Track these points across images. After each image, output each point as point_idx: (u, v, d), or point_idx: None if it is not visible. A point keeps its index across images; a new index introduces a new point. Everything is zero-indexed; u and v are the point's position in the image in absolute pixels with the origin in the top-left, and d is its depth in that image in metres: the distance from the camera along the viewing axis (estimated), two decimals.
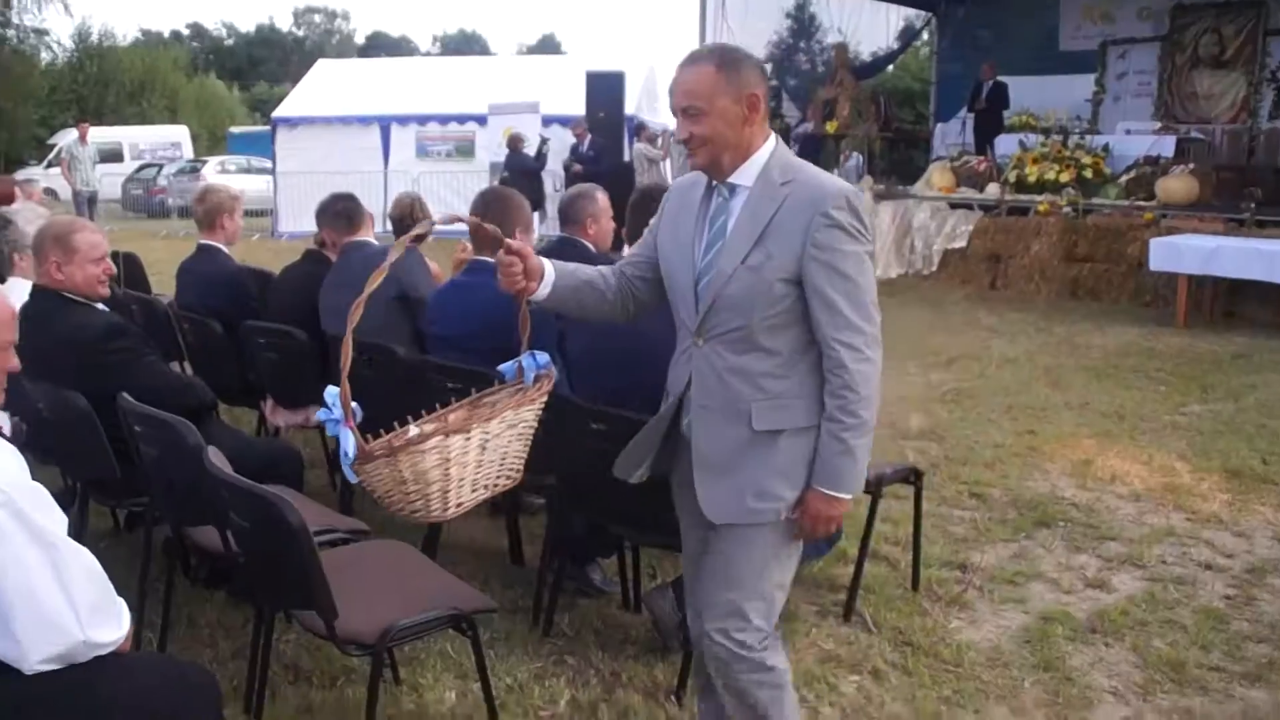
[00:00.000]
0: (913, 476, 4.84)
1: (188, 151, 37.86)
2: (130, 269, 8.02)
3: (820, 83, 19.77)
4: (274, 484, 3.29)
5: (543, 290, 2.97)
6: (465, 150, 22.94)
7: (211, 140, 47.69)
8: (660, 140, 19.76)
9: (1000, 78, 17.33)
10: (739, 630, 2.95)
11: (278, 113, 24.52)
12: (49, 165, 30.91)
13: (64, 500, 2.47)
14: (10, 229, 5.07)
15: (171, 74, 54.03)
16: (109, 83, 49.54)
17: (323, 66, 27.33)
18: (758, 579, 2.95)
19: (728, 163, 2.87)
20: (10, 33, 42.35)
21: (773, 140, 2.91)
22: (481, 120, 21.99)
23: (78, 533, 4.15)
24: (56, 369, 4.07)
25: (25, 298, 4.32)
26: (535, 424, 3.10)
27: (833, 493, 2.85)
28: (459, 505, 2.93)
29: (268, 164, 25.49)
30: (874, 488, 4.56)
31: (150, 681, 2.55)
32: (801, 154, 14.38)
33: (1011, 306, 12.83)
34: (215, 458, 3.31)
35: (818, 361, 2.86)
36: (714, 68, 2.81)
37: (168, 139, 38.68)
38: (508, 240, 2.94)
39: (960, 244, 14.66)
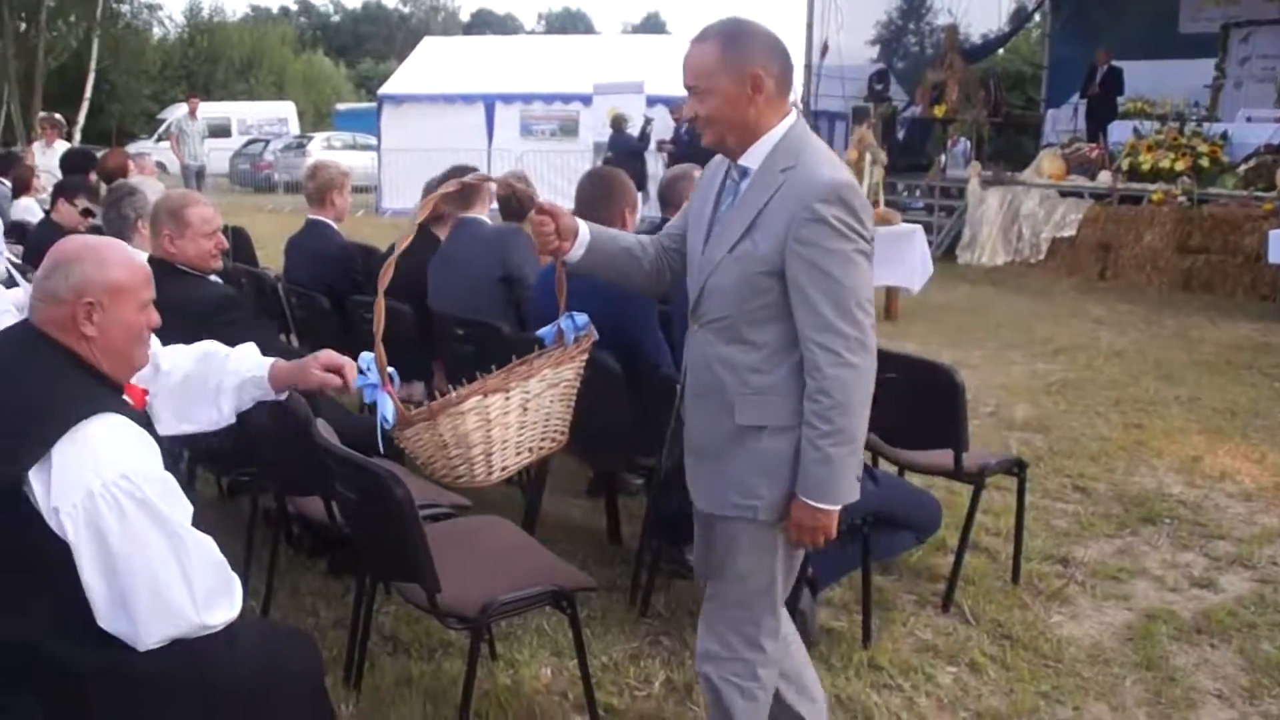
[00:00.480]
0: (1016, 467, 4.76)
1: (294, 127, 38.54)
2: (239, 243, 8.15)
3: (929, 65, 19.46)
4: (376, 458, 3.33)
5: (576, 251, 2.96)
6: (569, 130, 22.99)
7: (317, 116, 48.51)
8: None
9: (1115, 62, 16.95)
10: (747, 624, 2.92)
11: (384, 90, 24.79)
12: (159, 139, 31.59)
13: (170, 467, 2.51)
14: (137, 196, 5.18)
15: (279, 50, 55.09)
16: (218, 58, 50.69)
17: (428, 44, 27.63)
18: (753, 573, 2.89)
19: (734, 144, 2.80)
20: (125, 8, 43.50)
21: (788, 121, 2.79)
22: (586, 100, 22.04)
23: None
24: (167, 338, 4.14)
25: None
26: (577, 384, 3.06)
27: (814, 503, 2.72)
28: (503, 469, 2.91)
29: (373, 140, 25.82)
30: (977, 477, 4.50)
31: (253, 644, 2.58)
32: (908, 138, 14.23)
33: (1121, 297, 12.55)
34: (324, 429, 3.35)
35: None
36: (717, 45, 2.73)
37: (275, 115, 39.40)
38: (539, 200, 2.95)
39: (1069, 232, 14.38)
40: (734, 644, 2.94)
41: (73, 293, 2.49)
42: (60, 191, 7.25)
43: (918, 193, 17.38)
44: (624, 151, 17.89)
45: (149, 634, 2.35)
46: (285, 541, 4.70)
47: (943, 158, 17.53)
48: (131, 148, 22.87)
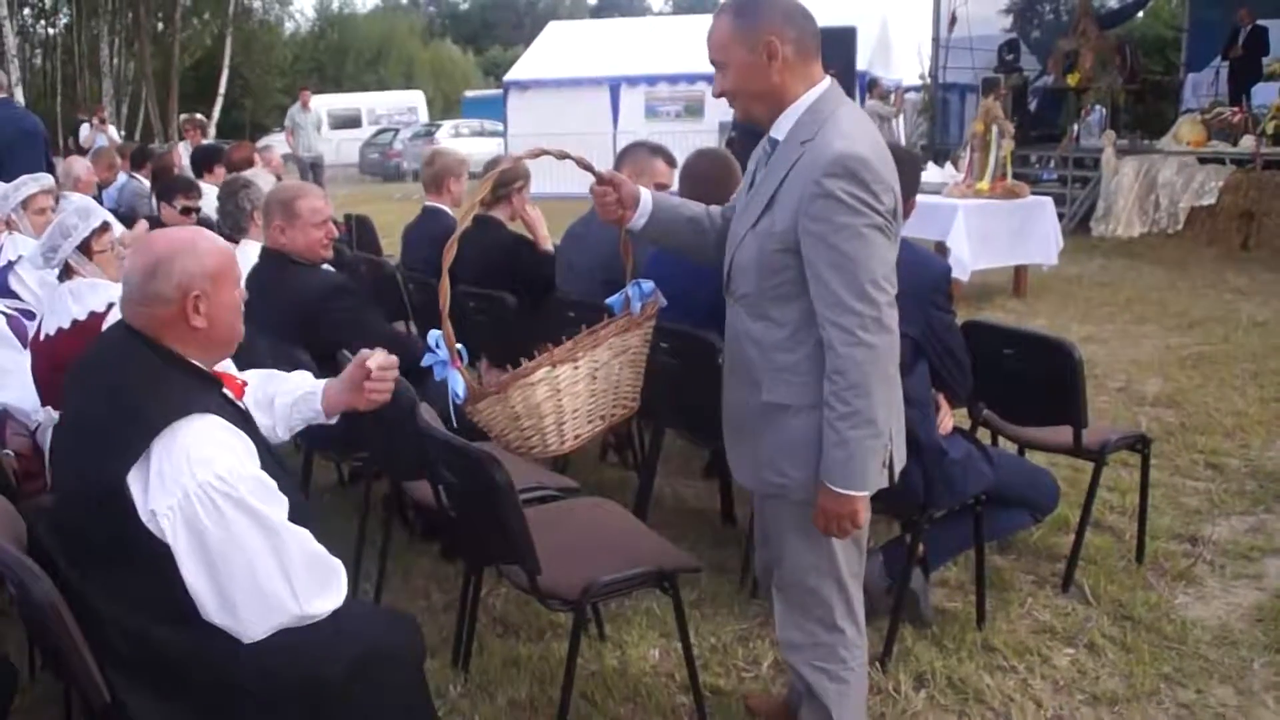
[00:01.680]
0: (1140, 443, 4.61)
1: (423, 116, 39.12)
2: (361, 231, 8.29)
3: (1061, 34, 18.91)
4: (486, 441, 3.35)
5: (638, 220, 2.95)
6: (694, 110, 22.90)
7: (446, 104, 49.20)
8: (893, 97, 19.29)
9: (1260, 21, 16.23)
10: (818, 606, 2.88)
11: (509, 76, 25.02)
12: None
13: (279, 455, 2.55)
14: (251, 189, 5.31)
15: (408, 40, 56.12)
16: (348, 50, 51.83)
17: (553, 29, 27.78)
18: (809, 554, 2.85)
19: (764, 115, 2.75)
20: (257, 4, 44.69)
21: (818, 89, 2.71)
22: (711, 80, 21.85)
23: (301, 486, 4.34)
24: (281, 327, 4.24)
25: (255, 259, 4.52)
26: (645, 350, 3.07)
27: (835, 488, 2.64)
28: (576, 437, 2.93)
29: (500, 127, 26.07)
30: (1097, 454, 4.37)
31: (356, 628, 2.62)
32: (1040, 108, 13.83)
33: (1264, 267, 12.04)
34: (427, 414, 3.39)
35: None
36: (730, 16, 2.69)
37: (404, 104, 40.04)
38: (599, 170, 2.94)
39: (1209, 201, 13.87)
40: (811, 629, 2.92)
41: (178, 290, 2.52)
42: (160, 197, 7.39)
43: (1051, 164, 16.95)
44: (748, 131, 17.72)
45: (253, 627, 2.41)
46: (402, 526, 4.78)
47: (1075, 127, 17.04)
48: (261, 142, 23.39)
